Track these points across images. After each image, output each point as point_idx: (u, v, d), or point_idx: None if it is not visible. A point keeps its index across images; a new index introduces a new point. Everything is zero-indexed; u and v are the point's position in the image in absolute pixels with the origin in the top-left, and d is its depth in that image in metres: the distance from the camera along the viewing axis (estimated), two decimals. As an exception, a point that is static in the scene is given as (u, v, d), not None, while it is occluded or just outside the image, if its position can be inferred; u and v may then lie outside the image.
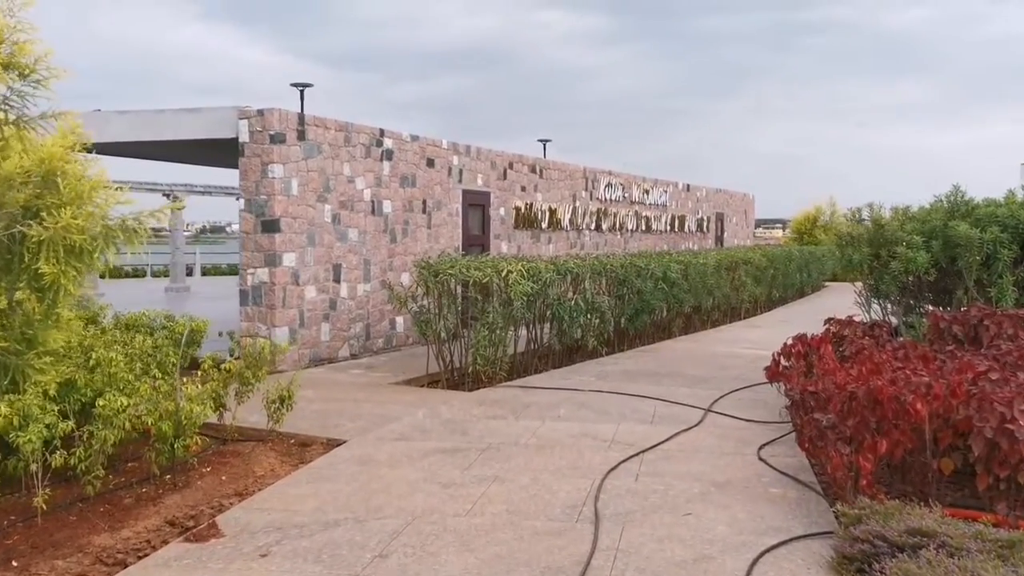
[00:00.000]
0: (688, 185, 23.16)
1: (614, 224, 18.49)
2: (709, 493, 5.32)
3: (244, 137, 9.67)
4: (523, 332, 10.05)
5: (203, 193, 23.36)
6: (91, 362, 5.56)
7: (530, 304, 9.69)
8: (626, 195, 19.15)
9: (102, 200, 5.10)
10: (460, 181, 13.10)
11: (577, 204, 16.87)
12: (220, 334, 10.03)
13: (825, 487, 5.38)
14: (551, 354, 10.37)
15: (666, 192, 21.43)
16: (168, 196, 23.09)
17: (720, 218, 25.84)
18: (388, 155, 11.46)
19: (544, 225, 15.55)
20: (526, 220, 14.94)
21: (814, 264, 23.03)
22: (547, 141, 25.15)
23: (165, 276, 24.90)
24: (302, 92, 18.58)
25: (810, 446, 5.18)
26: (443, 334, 9.18)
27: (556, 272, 10.05)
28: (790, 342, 7.40)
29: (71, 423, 5.02)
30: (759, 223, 34.33)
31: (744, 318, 16.41)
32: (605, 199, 18.10)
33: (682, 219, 22.49)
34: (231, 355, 8.21)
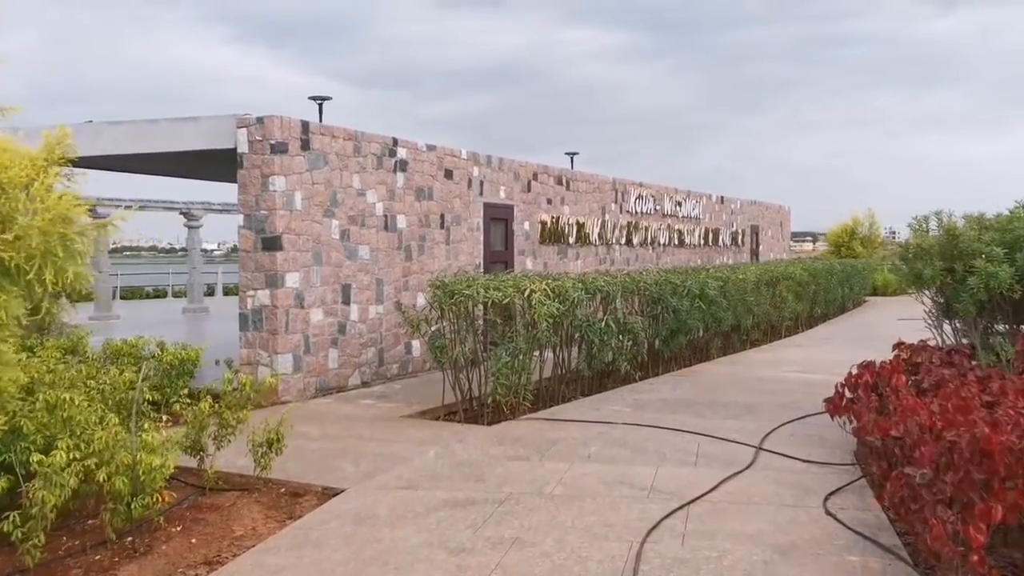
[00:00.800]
0: (722, 197, 22.17)
1: (645, 238, 17.54)
2: (772, 562, 4.37)
3: (243, 147, 8.86)
4: (549, 355, 9.13)
5: (221, 211, 22.70)
6: (38, 404, 4.73)
7: (556, 326, 8.79)
8: (658, 208, 18.20)
9: (42, 213, 4.28)
10: (481, 193, 12.25)
11: (606, 217, 15.95)
12: (217, 362, 9.24)
13: (913, 553, 4.43)
14: (580, 380, 9.45)
15: (699, 204, 20.45)
16: (185, 215, 22.51)
17: (755, 231, 24.78)
18: (402, 166, 10.64)
19: (571, 240, 14.65)
20: (552, 235, 14.05)
21: (855, 278, 21.93)
22: (574, 154, 24.28)
23: (185, 296, 24.28)
24: (320, 106, 17.79)
25: (903, 509, 4.21)
26: (460, 360, 8.30)
27: (584, 290, 9.14)
28: (855, 371, 6.41)
29: (2, 480, 4.19)
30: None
31: (785, 336, 15.38)
32: (636, 212, 17.17)
33: (716, 232, 21.49)
34: (228, 386, 7.39)
